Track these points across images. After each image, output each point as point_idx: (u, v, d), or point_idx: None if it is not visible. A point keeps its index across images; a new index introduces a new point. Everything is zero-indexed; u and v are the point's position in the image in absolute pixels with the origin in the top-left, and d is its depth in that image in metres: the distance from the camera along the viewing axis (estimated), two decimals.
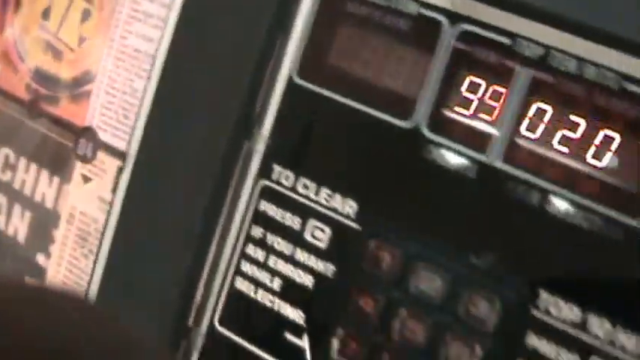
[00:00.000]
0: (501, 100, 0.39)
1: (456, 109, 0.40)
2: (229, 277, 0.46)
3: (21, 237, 0.57)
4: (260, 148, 0.45)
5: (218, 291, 0.46)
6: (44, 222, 0.56)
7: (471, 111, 0.40)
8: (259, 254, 0.45)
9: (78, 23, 0.55)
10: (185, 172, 0.46)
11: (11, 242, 0.57)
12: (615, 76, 0.36)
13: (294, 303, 0.44)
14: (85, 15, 0.54)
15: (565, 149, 0.38)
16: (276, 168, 0.45)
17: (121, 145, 0.51)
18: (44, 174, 0.56)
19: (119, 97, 0.51)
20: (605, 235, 0.36)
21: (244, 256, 0.45)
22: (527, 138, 0.39)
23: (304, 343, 0.43)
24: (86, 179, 0.53)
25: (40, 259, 0.55)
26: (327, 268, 0.43)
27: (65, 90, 0.55)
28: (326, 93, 0.43)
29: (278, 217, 0.45)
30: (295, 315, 0.44)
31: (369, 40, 0.42)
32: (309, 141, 0.44)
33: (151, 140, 0.49)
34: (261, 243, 0.45)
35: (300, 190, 0.44)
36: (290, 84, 0.44)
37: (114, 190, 0.51)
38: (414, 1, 0.41)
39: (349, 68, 0.43)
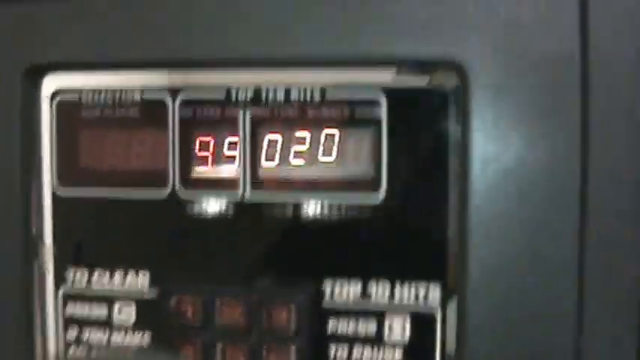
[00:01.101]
0: (238, 147, 0.45)
1: (198, 168, 0.46)
2: None
3: None
4: (49, 261, 0.49)
5: None
6: None
7: (210, 165, 0.46)
8: (78, 353, 0.48)
9: None
10: None
11: None
12: (318, 90, 0.44)
13: None
14: None
15: (301, 161, 0.45)
16: (70, 271, 0.48)
17: None
18: None
19: None
20: (357, 218, 0.44)
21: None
22: (269, 168, 0.45)
23: None
24: None
25: None
26: (143, 338, 0.47)
27: None
28: (89, 193, 0.47)
29: (85, 314, 0.48)
30: None
31: (109, 134, 0.47)
32: (91, 237, 0.48)
33: None
34: (78, 342, 0.48)
35: (96, 281, 0.48)
36: (55, 196, 0.48)
37: None
38: (136, 90, 0.46)
39: (101, 164, 0.47)
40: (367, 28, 0.41)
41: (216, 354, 0.44)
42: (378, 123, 0.43)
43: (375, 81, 0.43)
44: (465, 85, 0.40)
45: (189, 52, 0.44)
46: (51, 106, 0.48)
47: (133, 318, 0.47)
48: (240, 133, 0.45)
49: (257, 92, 0.45)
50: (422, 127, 0.42)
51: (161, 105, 0.46)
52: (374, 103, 0.43)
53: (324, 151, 0.44)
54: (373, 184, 0.43)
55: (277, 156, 0.45)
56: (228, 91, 0.45)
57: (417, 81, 0.42)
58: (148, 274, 0.47)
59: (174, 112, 0.46)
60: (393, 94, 0.43)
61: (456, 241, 0.41)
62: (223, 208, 0.45)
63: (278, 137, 0.45)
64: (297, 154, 0.45)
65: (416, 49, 0.41)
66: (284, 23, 0.42)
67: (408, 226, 0.43)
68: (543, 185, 0.39)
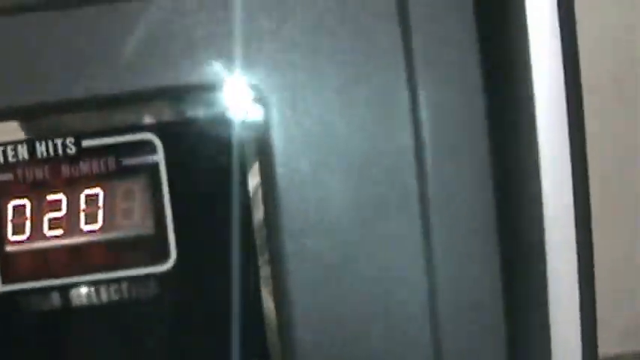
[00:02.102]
0: None
1: None
2: None
3: None
4: None
5: None
6: None
7: None
8: None
9: None
10: None
11: None
12: (70, 140, 0.35)
13: None
14: None
15: (59, 231, 0.35)
16: None
17: None
18: None
19: None
20: (143, 291, 0.35)
21: None
22: (19, 242, 0.35)
23: None
24: None
25: None
26: None
27: None
28: None
29: None
30: None
31: None
32: None
33: None
34: None
35: None
36: None
37: None
38: None
39: None
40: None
41: None
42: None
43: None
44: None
45: None
46: None
47: None
48: None
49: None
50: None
51: None
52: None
53: (86, 217, 0.35)
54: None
55: (27, 227, 0.35)
56: None
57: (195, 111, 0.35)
58: None
59: None
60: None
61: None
62: None
63: (27, 203, 0.35)
64: (54, 223, 0.35)
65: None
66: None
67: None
68: None
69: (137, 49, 0.33)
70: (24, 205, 0.35)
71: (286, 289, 0.34)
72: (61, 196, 0.35)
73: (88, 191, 0.35)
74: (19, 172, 0.35)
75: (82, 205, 0.35)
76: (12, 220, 0.35)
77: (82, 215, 0.35)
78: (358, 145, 0.34)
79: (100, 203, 0.35)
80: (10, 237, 0.35)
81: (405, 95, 0.34)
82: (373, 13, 0.33)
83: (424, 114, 0.34)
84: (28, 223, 0.35)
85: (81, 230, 0.35)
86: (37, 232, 0.35)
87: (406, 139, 0.34)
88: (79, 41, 0.33)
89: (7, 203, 0.35)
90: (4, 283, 0.35)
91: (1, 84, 0.33)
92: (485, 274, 0.34)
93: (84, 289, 0.35)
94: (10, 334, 0.35)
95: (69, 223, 0.35)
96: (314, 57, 0.33)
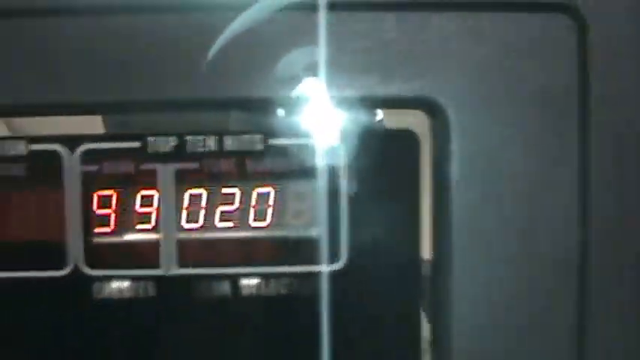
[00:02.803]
0: (155, 205, 0.37)
1: (111, 236, 0.37)
2: None
3: None
4: None
5: None
6: None
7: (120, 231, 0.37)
8: None
9: None
10: None
11: None
12: (258, 137, 0.36)
13: None
14: None
15: (229, 224, 0.37)
16: None
17: None
18: None
19: None
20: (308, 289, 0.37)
21: None
22: (191, 229, 0.37)
23: None
24: None
25: None
26: None
27: None
28: None
29: None
30: None
31: None
32: None
33: None
34: None
35: None
36: None
37: None
38: (21, 139, 0.37)
39: None
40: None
41: None
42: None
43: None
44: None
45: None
46: None
47: None
48: (162, 188, 0.36)
49: (182, 141, 0.37)
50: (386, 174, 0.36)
51: (54, 157, 0.37)
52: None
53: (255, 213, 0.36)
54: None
55: (201, 217, 0.37)
56: (146, 141, 0.37)
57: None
58: None
59: (74, 165, 0.37)
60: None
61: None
62: (140, 286, 0.37)
63: (203, 193, 0.37)
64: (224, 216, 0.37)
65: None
66: None
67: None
68: None
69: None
70: (200, 195, 0.37)
71: (447, 302, 0.35)
72: (235, 190, 0.37)
73: (260, 189, 0.37)
74: (204, 162, 0.37)
75: (254, 201, 0.37)
76: (187, 209, 0.37)
77: (252, 211, 0.37)
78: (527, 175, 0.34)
79: (271, 201, 0.37)
80: (184, 224, 0.37)
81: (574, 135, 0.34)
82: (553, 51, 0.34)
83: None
84: (202, 214, 0.37)
85: (249, 225, 0.37)
86: (209, 222, 0.37)
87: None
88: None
89: (186, 191, 0.37)
90: (181, 266, 0.37)
91: (207, 78, 0.34)
92: None
93: (249, 281, 0.37)
94: (178, 315, 0.37)
95: (239, 217, 0.37)
96: (497, 86, 0.34)
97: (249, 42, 0.34)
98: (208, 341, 0.37)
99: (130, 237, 0.37)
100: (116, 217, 0.37)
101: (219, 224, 0.37)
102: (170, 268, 0.37)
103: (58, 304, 0.37)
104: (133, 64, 0.34)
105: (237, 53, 0.34)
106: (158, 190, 0.37)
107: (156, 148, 0.37)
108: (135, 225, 0.37)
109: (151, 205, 0.37)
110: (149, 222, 0.37)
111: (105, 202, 0.37)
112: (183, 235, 0.37)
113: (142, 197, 0.37)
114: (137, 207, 0.37)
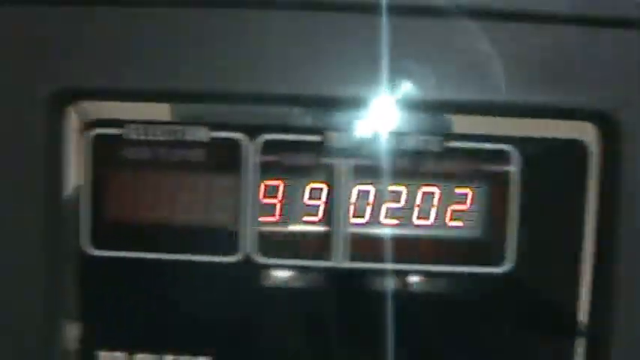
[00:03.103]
0: (323, 198, 0.37)
1: (286, 225, 0.38)
2: None
3: None
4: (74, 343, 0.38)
5: None
6: None
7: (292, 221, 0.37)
8: None
9: None
10: None
11: None
12: (437, 139, 0.37)
13: None
14: None
15: (393, 221, 0.37)
16: (102, 356, 0.38)
17: None
18: None
19: None
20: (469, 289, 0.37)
21: None
22: (358, 224, 0.37)
23: None
24: None
25: None
26: None
27: None
28: (128, 255, 0.37)
29: None
30: None
31: (163, 181, 0.37)
32: (133, 310, 0.38)
33: None
34: None
35: None
36: (85, 258, 0.37)
37: None
38: (203, 125, 0.37)
39: (150, 220, 0.37)
40: None
41: None
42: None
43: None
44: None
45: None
46: (83, 142, 0.37)
47: None
48: (335, 183, 0.37)
49: (360, 142, 0.37)
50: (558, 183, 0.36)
51: (234, 146, 0.37)
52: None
53: (419, 211, 0.37)
54: None
55: (367, 213, 0.37)
56: (324, 134, 0.37)
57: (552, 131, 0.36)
58: None
59: (253, 154, 0.37)
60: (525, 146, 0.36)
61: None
62: (311, 276, 0.37)
63: (370, 189, 0.37)
64: (390, 212, 0.37)
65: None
66: None
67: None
68: None
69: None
70: (368, 192, 0.38)
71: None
72: (402, 188, 0.37)
73: (425, 189, 0.37)
74: (379, 160, 0.37)
75: (418, 200, 0.37)
76: (354, 204, 0.37)
77: (416, 210, 0.37)
78: None
79: (435, 202, 0.37)
80: (352, 220, 0.37)
81: None
82: None
83: None
84: (368, 210, 0.37)
85: (412, 223, 0.37)
86: (374, 218, 0.37)
87: None
88: None
89: (355, 187, 0.37)
90: (351, 259, 0.37)
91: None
92: None
93: (413, 278, 0.37)
94: (344, 307, 0.37)
95: (404, 215, 0.37)
96: None
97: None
98: (371, 334, 0.37)
99: (297, 228, 0.37)
100: (283, 206, 0.37)
101: (384, 220, 0.37)
102: (341, 260, 0.37)
103: (226, 289, 0.37)
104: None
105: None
106: (327, 184, 0.37)
107: (336, 143, 0.37)
108: (302, 217, 0.37)
109: (319, 198, 0.37)
110: (316, 214, 0.38)
111: (272, 192, 0.37)
112: (353, 230, 0.37)
113: (311, 190, 0.37)
114: (305, 199, 0.37)
